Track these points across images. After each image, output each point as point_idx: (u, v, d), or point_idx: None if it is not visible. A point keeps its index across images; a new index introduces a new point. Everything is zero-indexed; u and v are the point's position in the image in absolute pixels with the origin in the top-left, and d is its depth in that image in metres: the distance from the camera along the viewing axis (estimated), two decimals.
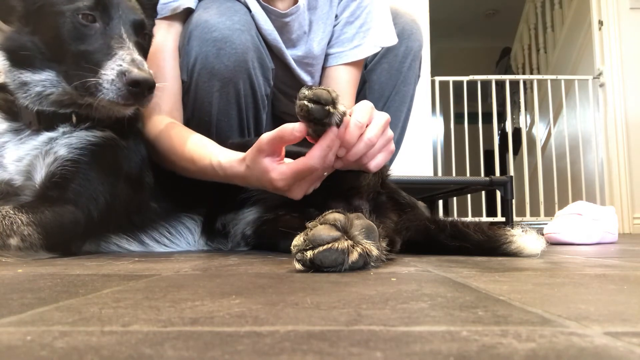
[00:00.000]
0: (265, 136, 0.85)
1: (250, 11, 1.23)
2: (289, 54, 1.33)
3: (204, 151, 1.04)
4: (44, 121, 1.01)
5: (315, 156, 0.81)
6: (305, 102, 0.77)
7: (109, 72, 0.91)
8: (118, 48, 0.94)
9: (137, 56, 0.94)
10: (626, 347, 0.27)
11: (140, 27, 1.03)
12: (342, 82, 1.36)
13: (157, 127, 1.15)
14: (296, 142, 0.83)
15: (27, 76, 0.99)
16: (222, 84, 1.19)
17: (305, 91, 0.78)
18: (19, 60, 1.00)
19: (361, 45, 1.36)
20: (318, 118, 0.78)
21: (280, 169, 0.85)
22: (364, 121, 0.85)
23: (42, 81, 0.99)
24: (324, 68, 1.41)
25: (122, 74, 0.91)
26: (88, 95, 0.93)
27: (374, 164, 0.89)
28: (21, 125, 1.02)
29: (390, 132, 0.91)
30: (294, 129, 0.81)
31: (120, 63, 0.92)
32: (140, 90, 0.92)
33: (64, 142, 0.99)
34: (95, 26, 0.96)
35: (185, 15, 1.23)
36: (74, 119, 1.02)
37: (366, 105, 0.88)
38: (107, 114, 1.03)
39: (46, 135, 1.00)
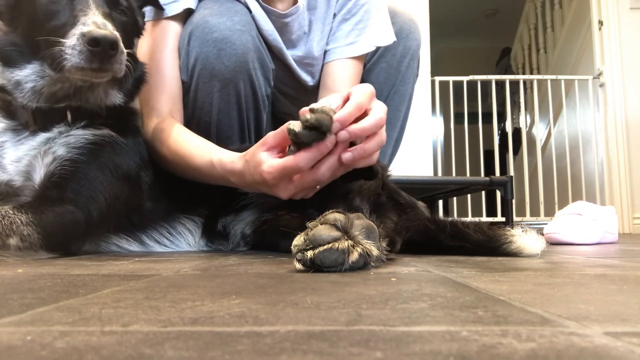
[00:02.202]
0: (272, 132, 0.86)
1: (250, 12, 1.23)
2: (290, 55, 1.33)
3: (205, 149, 1.05)
4: (40, 120, 1.02)
5: (304, 157, 0.80)
6: (294, 128, 0.76)
7: (71, 39, 0.92)
8: (82, 16, 0.94)
9: (100, 19, 0.94)
10: (626, 347, 0.27)
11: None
12: (338, 78, 1.36)
13: (157, 127, 1.15)
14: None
15: (17, 74, 1.00)
16: (222, 85, 1.19)
17: (308, 116, 0.76)
18: (8, 59, 1.01)
19: (356, 43, 1.35)
20: (307, 143, 0.79)
21: (270, 162, 0.84)
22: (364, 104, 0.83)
23: (30, 75, 1.00)
24: (322, 65, 1.40)
25: (82, 36, 0.90)
26: (57, 68, 0.93)
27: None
28: (18, 124, 1.03)
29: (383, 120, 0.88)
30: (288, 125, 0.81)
31: (81, 28, 0.92)
32: (101, 49, 0.91)
33: (62, 142, 1.00)
34: (62, 2, 0.97)
35: (185, 16, 1.23)
36: (68, 116, 1.03)
37: (367, 89, 0.86)
38: (96, 102, 1.04)
39: (44, 136, 1.01)
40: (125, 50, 0.96)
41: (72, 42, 0.91)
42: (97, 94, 1.04)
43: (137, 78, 1.11)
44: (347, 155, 0.82)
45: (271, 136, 0.85)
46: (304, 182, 0.84)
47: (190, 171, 1.08)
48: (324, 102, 0.83)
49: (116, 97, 1.07)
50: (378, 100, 0.87)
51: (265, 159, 0.85)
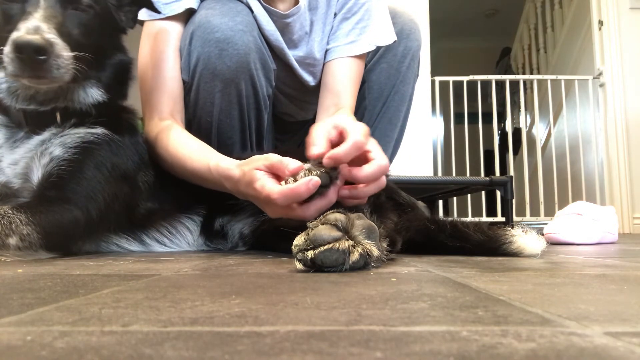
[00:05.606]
0: (273, 158, 0.84)
1: (252, 12, 1.23)
2: (291, 55, 1.33)
3: (203, 153, 1.05)
4: (32, 122, 1.01)
5: (288, 197, 0.79)
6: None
7: (7, 46, 0.88)
8: (22, 20, 0.90)
9: (35, 22, 0.89)
10: (626, 347, 0.27)
11: None
12: (338, 76, 1.35)
13: (157, 128, 1.15)
14: (285, 177, 0.81)
15: None
16: (224, 85, 1.18)
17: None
18: None
19: (356, 42, 1.35)
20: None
21: (264, 182, 0.83)
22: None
23: (4, 77, 0.99)
24: (323, 64, 1.40)
25: (12, 42, 0.87)
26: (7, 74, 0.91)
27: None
28: (12, 122, 1.03)
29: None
30: (288, 166, 0.80)
31: (15, 33, 0.87)
32: (26, 56, 0.86)
33: (58, 142, 0.99)
34: (16, 5, 0.94)
35: (187, 16, 1.23)
36: (58, 117, 1.02)
37: (362, 127, 0.86)
38: (82, 100, 1.03)
39: (38, 138, 1.01)
40: (66, 54, 0.90)
41: (7, 49, 0.87)
42: (77, 93, 1.03)
43: (116, 72, 1.09)
44: (344, 193, 0.86)
45: (269, 165, 0.84)
46: (291, 214, 0.83)
47: (187, 174, 1.08)
48: (318, 136, 0.85)
49: (96, 94, 1.05)
50: (375, 141, 0.88)
51: (260, 176, 0.84)
